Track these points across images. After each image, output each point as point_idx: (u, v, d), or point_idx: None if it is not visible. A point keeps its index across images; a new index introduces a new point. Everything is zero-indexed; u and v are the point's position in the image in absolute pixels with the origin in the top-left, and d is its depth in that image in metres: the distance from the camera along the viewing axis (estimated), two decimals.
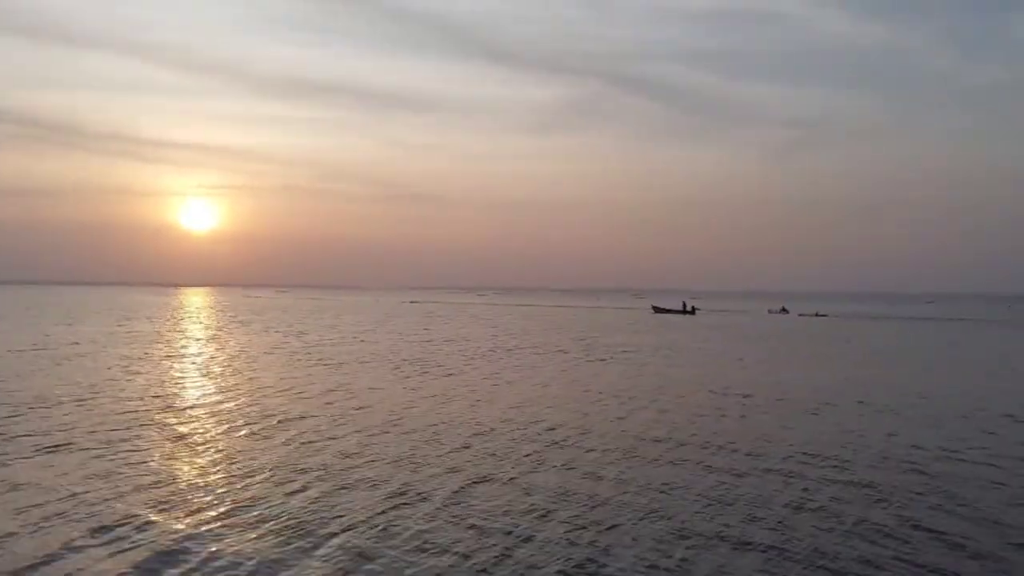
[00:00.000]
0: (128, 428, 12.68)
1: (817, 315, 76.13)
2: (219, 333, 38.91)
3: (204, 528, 7.64)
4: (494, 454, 11.26)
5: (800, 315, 77.24)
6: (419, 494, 9.01)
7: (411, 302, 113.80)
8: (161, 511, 8.16)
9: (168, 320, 51.49)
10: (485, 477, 9.87)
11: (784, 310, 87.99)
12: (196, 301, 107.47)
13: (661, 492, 9.29)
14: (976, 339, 43.05)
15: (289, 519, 7.97)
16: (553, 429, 13.43)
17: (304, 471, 10.04)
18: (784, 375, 22.75)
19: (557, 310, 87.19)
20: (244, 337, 35.91)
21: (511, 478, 9.87)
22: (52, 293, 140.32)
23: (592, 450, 11.66)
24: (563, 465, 10.65)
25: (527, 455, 11.24)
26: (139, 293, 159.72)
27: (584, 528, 7.87)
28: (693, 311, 76.20)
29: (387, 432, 12.81)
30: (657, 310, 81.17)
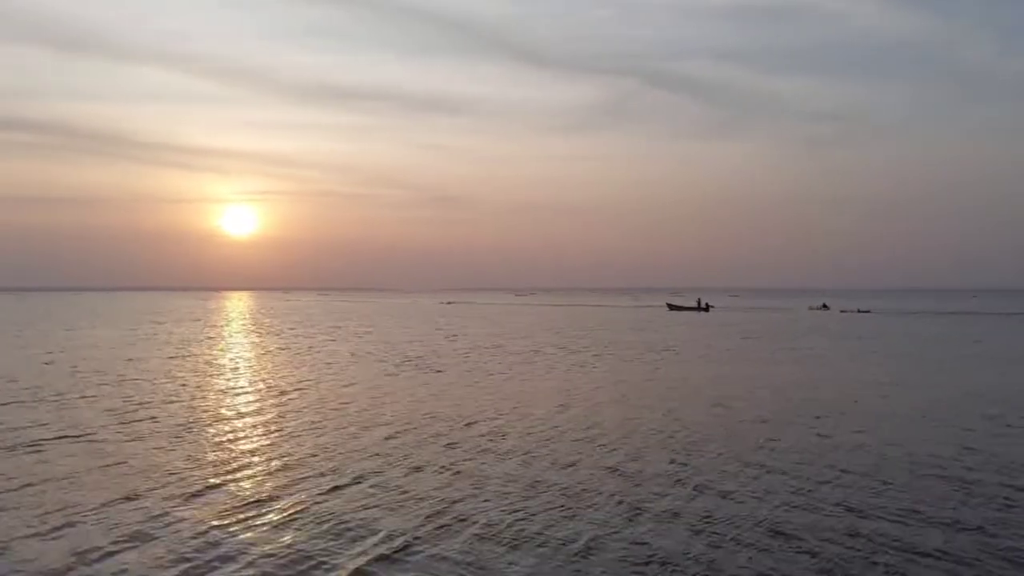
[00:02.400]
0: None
1: (859, 311, 74.20)
2: (240, 334, 39.57)
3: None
4: (394, 454, 11.00)
5: (842, 311, 75.30)
6: (285, 496, 8.83)
7: (448, 303, 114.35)
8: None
9: (205, 323, 52.52)
10: (359, 479, 9.64)
11: (825, 306, 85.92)
12: (237, 305, 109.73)
13: (531, 492, 8.95)
14: (1012, 334, 41.26)
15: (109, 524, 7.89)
16: (474, 425, 13.25)
17: (192, 471, 9.97)
18: (761, 374, 22.01)
19: (582, 309, 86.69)
20: (259, 338, 36.85)
21: (389, 479, 9.63)
22: (101, 298, 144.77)
23: (490, 451, 11.30)
24: (443, 467, 10.30)
25: (428, 455, 10.97)
26: (183, 298, 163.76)
27: (429, 529, 7.59)
28: (707, 308, 75.92)
29: (309, 430, 12.68)
30: (672, 308, 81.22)
